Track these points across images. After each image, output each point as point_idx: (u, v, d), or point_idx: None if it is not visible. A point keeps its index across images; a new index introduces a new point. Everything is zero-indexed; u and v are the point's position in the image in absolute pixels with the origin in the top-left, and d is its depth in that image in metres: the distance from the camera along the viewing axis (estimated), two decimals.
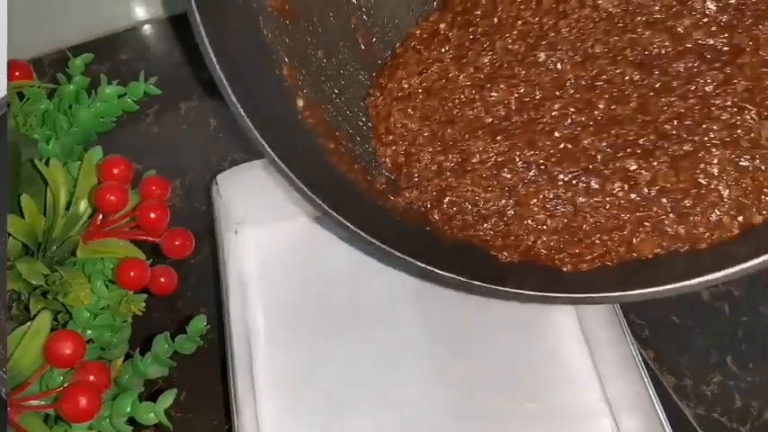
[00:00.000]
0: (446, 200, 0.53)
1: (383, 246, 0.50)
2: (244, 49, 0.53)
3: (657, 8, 0.50)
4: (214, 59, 0.48)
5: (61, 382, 0.51)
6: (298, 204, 0.58)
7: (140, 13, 0.77)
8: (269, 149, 0.49)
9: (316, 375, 0.55)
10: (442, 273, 0.49)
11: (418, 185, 0.55)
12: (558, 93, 0.52)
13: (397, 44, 0.60)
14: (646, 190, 0.49)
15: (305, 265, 0.59)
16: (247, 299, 0.57)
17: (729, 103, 0.48)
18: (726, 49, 0.49)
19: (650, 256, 0.49)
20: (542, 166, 0.51)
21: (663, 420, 0.53)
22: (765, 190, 0.46)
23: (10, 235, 0.53)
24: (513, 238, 0.52)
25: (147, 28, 0.77)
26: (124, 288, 0.55)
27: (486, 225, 0.52)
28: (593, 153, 0.50)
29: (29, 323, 0.51)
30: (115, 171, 0.57)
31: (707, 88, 0.48)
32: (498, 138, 0.52)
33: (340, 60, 0.59)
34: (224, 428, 0.58)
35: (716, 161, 0.47)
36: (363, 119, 0.59)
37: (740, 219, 0.47)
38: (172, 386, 0.54)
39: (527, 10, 0.54)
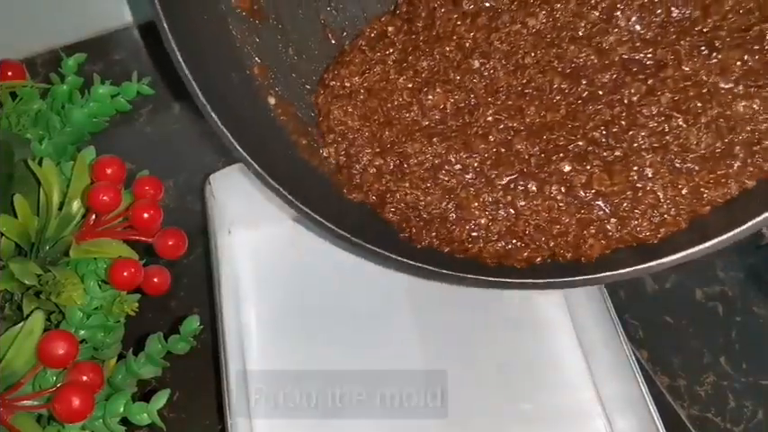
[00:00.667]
0: (388, 203, 0.54)
1: (356, 240, 0.51)
2: (214, 51, 0.54)
3: (582, 25, 0.52)
4: (184, 66, 0.48)
5: (54, 382, 0.51)
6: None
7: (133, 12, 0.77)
8: (241, 150, 0.50)
9: (308, 375, 0.55)
10: (413, 264, 0.50)
11: (360, 188, 0.55)
12: (490, 99, 0.54)
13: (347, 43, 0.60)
14: (582, 192, 0.50)
15: (298, 265, 0.59)
16: (240, 299, 0.57)
17: (655, 111, 0.49)
18: (650, 63, 0.50)
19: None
20: (478, 169, 0.52)
21: (656, 420, 0.53)
22: (702, 189, 0.48)
23: (2, 235, 0.53)
24: (457, 244, 0.52)
25: (140, 28, 0.77)
26: (117, 288, 0.55)
27: (431, 230, 0.53)
28: (526, 157, 0.51)
29: (22, 323, 0.51)
30: (108, 171, 0.57)
31: (633, 98, 0.50)
32: (434, 140, 0.53)
33: (310, 57, 0.59)
34: (217, 428, 0.58)
35: (648, 164, 0.49)
36: None
37: (684, 215, 0.48)
38: (165, 386, 0.54)
39: (462, 26, 0.56)
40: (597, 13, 0.52)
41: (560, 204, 0.50)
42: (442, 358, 0.55)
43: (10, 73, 0.62)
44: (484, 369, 0.55)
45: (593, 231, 0.49)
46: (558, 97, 0.52)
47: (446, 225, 0.52)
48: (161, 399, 0.52)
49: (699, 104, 0.48)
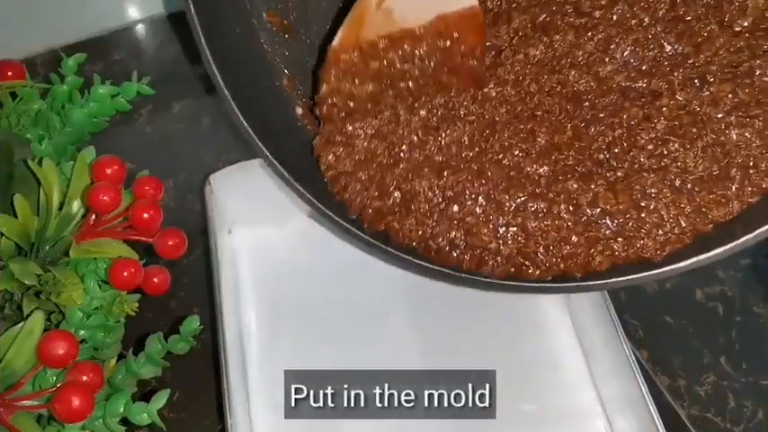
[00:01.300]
0: (392, 240, 0.53)
1: (376, 243, 0.51)
2: (246, 65, 0.55)
3: (580, 54, 0.53)
4: (221, 81, 0.49)
5: (54, 382, 0.51)
6: (291, 204, 0.58)
7: (133, 12, 0.77)
8: (275, 162, 0.50)
9: (308, 375, 0.54)
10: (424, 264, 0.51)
11: (361, 223, 0.54)
12: (507, 124, 0.54)
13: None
14: (588, 210, 0.50)
15: (298, 265, 0.59)
16: (240, 299, 0.57)
17: (653, 135, 0.51)
18: (645, 92, 0.52)
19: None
20: (491, 195, 0.52)
21: (656, 420, 0.53)
22: (704, 210, 0.49)
23: (2, 235, 0.53)
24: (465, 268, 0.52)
25: (140, 28, 0.77)
26: (117, 288, 0.55)
27: (439, 260, 0.52)
28: (536, 178, 0.52)
29: (22, 323, 0.51)
30: (108, 171, 0.57)
31: (632, 122, 0.51)
32: (445, 173, 0.53)
33: None
34: (217, 429, 0.58)
35: (650, 183, 0.50)
36: None
37: (689, 234, 0.49)
38: (165, 386, 0.54)
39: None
40: (593, 44, 0.53)
41: (569, 224, 0.50)
42: (441, 358, 0.55)
43: (10, 73, 0.62)
44: (484, 369, 0.55)
45: (601, 249, 0.50)
46: (564, 119, 0.52)
47: (453, 254, 0.52)
48: (161, 399, 0.52)
49: (694, 130, 0.50)
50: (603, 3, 0.53)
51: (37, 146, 0.59)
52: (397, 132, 0.54)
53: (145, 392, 0.57)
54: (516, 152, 0.52)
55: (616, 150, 0.51)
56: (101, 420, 0.51)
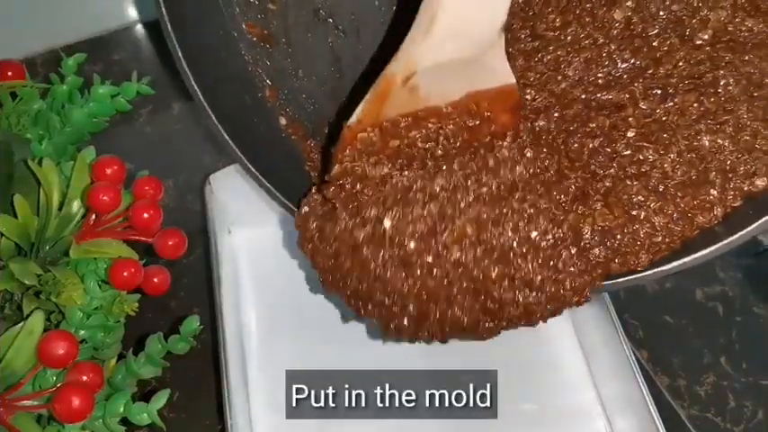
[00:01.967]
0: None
1: None
2: (227, 76, 0.54)
3: (532, 75, 0.52)
4: (200, 94, 0.48)
5: (54, 382, 0.51)
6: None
7: (133, 13, 0.77)
8: (258, 175, 0.50)
9: (308, 375, 0.55)
10: None
11: None
12: None
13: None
14: (588, 236, 0.49)
15: (298, 265, 0.59)
16: (240, 299, 0.57)
17: (626, 143, 0.50)
18: (608, 103, 0.51)
19: None
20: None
21: (656, 421, 0.53)
22: (689, 216, 0.48)
23: (2, 235, 0.53)
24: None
25: (140, 28, 0.77)
26: (117, 288, 0.55)
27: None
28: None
29: (22, 323, 0.51)
30: (108, 171, 0.57)
31: (604, 130, 0.50)
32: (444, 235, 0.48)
33: (320, 78, 0.59)
34: (217, 429, 0.58)
35: (635, 191, 0.49)
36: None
37: (678, 241, 0.48)
38: (165, 386, 0.54)
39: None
40: (543, 66, 0.52)
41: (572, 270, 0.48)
42: (442, 358, 0.55)
43: (10, 73, 0.62)
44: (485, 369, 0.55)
45: (600, 272, 0.49)
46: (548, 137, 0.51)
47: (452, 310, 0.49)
48: (161, 399, 0.52)
49: (665, 136, 0.49)
50: (558, 24, 0.52)
51: (37, 146, 0.59)
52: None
53: (145, 392, 0.57)
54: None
55: (600, 159, 0.50)
56: (101, 420, 0.51)
